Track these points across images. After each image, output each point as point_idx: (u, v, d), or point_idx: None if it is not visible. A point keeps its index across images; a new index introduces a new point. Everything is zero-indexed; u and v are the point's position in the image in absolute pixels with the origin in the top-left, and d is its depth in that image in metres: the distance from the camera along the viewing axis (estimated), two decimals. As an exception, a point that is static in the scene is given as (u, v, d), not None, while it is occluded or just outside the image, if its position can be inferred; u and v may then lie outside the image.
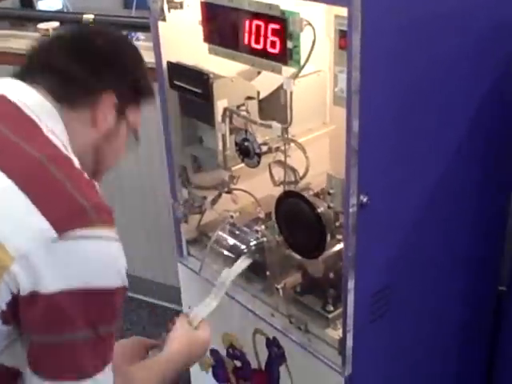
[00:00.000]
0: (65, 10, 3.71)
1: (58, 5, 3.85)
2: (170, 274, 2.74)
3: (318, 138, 1.60)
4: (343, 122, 1.21)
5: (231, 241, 1.54)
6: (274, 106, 1.53)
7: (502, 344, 1.76)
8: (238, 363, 1.71)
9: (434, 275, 1.50)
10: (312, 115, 1.57)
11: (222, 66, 1.49)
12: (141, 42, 2.67)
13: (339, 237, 1.38)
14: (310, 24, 1.19)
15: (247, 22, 1.29)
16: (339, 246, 1.40)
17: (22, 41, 2.67)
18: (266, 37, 1.26)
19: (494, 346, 1.82)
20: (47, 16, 2.70)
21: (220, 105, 1.46)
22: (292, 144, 1.44)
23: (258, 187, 1.61)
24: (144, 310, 2.85)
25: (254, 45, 1.29)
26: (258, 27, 1.26)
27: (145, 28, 2.52)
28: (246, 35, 1.30)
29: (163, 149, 1.66)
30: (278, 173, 1.51)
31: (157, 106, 1.61)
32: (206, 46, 1.48)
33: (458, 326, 1.69)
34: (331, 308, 1.44)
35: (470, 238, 1.57)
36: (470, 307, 1.69)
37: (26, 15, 3.03)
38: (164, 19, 1.47)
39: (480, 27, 1.32)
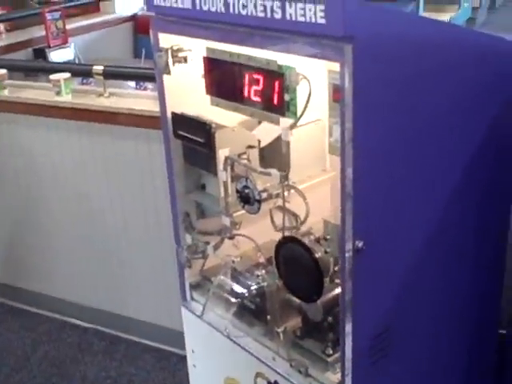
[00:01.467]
0: (76, 61, 3.85)
1: (69, 55, 3.99)
2: (175, 319, 2.77)
3: (317, 184, 1.65)
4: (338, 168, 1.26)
5: (233, 285, 1.57)
6: (275, 154, 1.58)
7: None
8: (240, 407, 1.72)
9: (433, 316, 1.52)
10: (311, 162, 1.62)
11: (223, 117, 1.56)
12: (148, 91, 2.78)
13: (337, 281, 1.42)
14: (305, 78, 1.26)
15: (247, 76, 1.35)
16: (337, 290, 1.43)
17: (35, 91, 2.77)
18: (264, 90, 1.33)
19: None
20: (59, 67, 2.79)
21: (222, 153, 1.51)
22: (292, 190, 1.49)
23: (260, 232, 1.65)
24: (149, 354, 2.87)
25: (253, 97, 1.36)
26: (256, 81, 1.33)
27: (153, 78, 2.62)
28: (246, 88, 1.36)
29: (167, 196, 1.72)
30: (280, 218, 1.56)
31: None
32: (205, 97, 1.55)
33: (459, 368, 1.71)
34: (331, 351, 1.46)
35: (467, 279, 1.60)
36: (471, 348, 1.71)
37: (38, 67, 3.14)
38: (169, 73, 1.53)
39: (470, 79, 1.38)
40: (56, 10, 3.95)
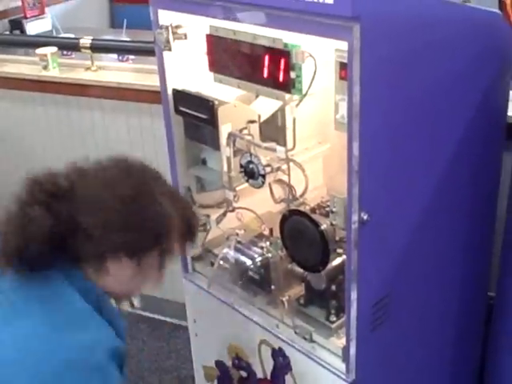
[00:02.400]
0: (54, 32, 3.79)
1: (47, 26, 3.91)
2: (169, 290, 2.82)
3: (313, 156, 1.70)
4: (338, 142, 1.29)
5: (237, 257, 1.61)
6: (273, 128, 1.62)
7: (491, 347, 1.87)
8: (244, 373, 1.79)
9: (430, 283, 1.59)
10: (308, 135, 1.66)
11: (222, 92, 1.58)
12: (130, 61, 2.76)
13: (339, 251, 1.47)
14: (311, 55, 1.29)
15: (252, 54, 1.38)
16: (339, 260, 1.49)
17: (20, 65, 2.74)
18: (270, 67, 1.35)
19: (485, 349, 1.92)
20: (45, 41, 2.76)
21: (224, 129, 1.54)
22: (291, 163, 1.54)
23: (257, 204, 1.70)
24: (143, 324, 2.91)
25: (258, 75, 1.38)
26: (262, 59, 1.36)
27: (139, 52, 2.61)
28: (251, 66, 1.39)
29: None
30: (276, 190, 1.60)
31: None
32: (206, 73, 1.58)
33: (453, 330, 1.79)
34: (334, 318, 1.52)
35: (462, 248, 1.67)
36: (464, 312, 1.79)
37: (24, 41, 3.09)
38: (169, 49, 1.54)
39: (467, 53, 1.42)
40: (31, -21, 3.87)
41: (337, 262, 1.49)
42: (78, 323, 1.16)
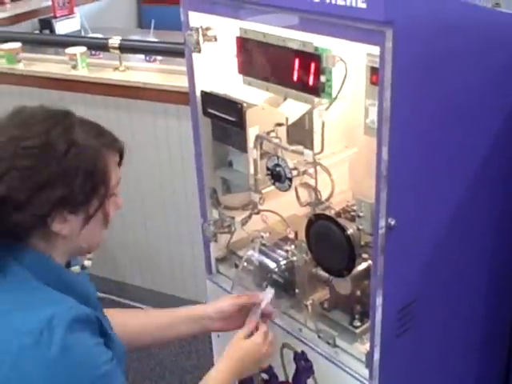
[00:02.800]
0: (83, 31, 3.83)
1: (76, 26, 3.96)
2: (191, 290, 2.84)
3: (340, 161, 1.69)
4: (365, 146, 1.29)
5: (262, 259, 1.61)
6: (301, 131, 1.62)
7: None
8: (266, 376, 1.78)
9: (456, 289, 1.57)
10: (335, 139, 1.66)
11: (249, 94, 1.59)
12: (157, 62, 2.79)
13: (365, 256, 1.47)
14: (341, 60, 1.28)
15: (282, 57, 1.38)
16: (365, 265, 1.48)
17: (50, 65, 2.78)
18: (300, 71, 1.35)
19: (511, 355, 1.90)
20: (74, 41, 2.79)
21: (252, 132, 1.55)
22: (318, 167, 1.53)
23: (283, 207, 1.70)
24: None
25: (288, 78, 1.38)
26: (292, 62, 1.36)
27: (167, 53, 2.63)
28: (281, 69, 1.39)
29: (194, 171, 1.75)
30: (302, 194, 1.60)
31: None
32: (234, 75, 1.58)
33: (478, 336, 1.77)
34: (358, 323, 1.51)
35: (488, 254, 1.65)
36: (489, 317, 1.76)
37: (54, 40, 3.13)
38: (199, 51, 1.55)
39: (498, 58, 1.41)
40: (62, -21, 3.91)
41: (362, 266, 1.48)
42: (28, 303, 1.09)
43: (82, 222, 1.16)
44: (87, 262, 1.29)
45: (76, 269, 1.26)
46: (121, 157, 1.26)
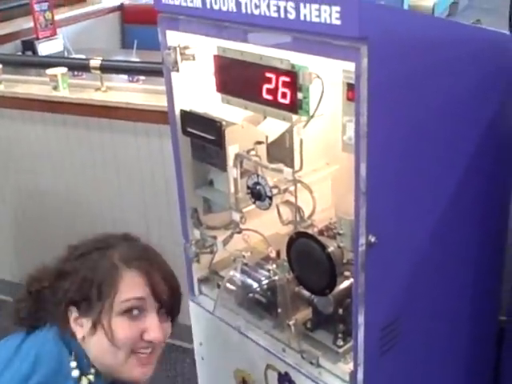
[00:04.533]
0: (66, 52, 3.83)
1: (59, 47, 3.96)
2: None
3: (321, 178, 1.68)
4: (346, 163, 1.28)
5: (244, 279, 1.59)
6: (281, 149, 1.61)
7: (504, 372, 1.84)
8: (250, 398, 1.76)
9: (440, 307, 1.56)
10: (316, 156, 1.65)
11: (230, 113, 1.58)
12: (140, 82, 2.78)
13: (347, 274, 1.45)
14: (318, 77, 1.28)
15: (260, 75, 1.37)
16: (347, 283, 1.47)
17: (31, 86, 2.76)
18: (277, 88, 1.34)
19: (497, 373, 1.89)
20: (55, 62, 2.78)
21: (231, 150, 1.53)
22: (298, 184, 1.52)
23: (265, 226, 1.68)
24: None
25: (266, 95, 1.38)
26: (269, 79, 1.35)
27: (147, 72, 2.63)
28: (259, 87, 1.38)
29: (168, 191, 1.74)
30: (284, 213, 1.59)
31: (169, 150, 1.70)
32: (214, 94, 1.57)
33: (464, 355, 1.76)
34: (341, 343, 1.50)
35: (473, 272, 1.65)
36: (475, 336, 1.76)
37: (34, 61, 3.12)
38: (177, 70, 1.54)
39: (476, 74, 1.41)
40: (44, 1, 3.91)
41: (344, 285, 1.47)
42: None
43: (89, 327, 1.27)
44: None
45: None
46: (149, 280, 1.33)
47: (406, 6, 4.72)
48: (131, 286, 1.28)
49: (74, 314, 1.29)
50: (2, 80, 2.80)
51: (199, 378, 1.95)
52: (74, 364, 1.27)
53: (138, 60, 2.79)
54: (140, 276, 1.30)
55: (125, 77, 2.98)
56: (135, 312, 1.28)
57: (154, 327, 1.30)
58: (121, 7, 4.83)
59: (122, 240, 1.39)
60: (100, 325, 1.26)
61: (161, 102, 2.29)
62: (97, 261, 1.31)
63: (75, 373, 1.26)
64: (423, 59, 1.25)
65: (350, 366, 1.43)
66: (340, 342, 1.50)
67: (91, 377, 1.28)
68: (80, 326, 1.29)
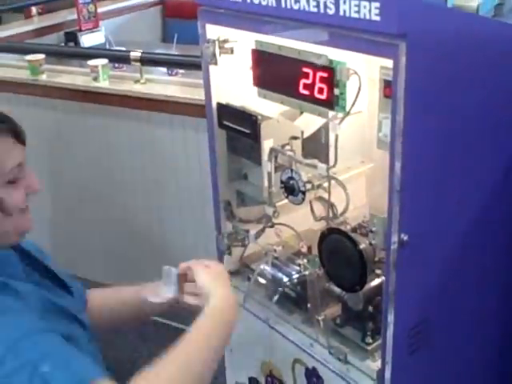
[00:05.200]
0: (107, 45, 3.88)
1: (100, 39, 4.02)
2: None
3: (357, 175, 1.68)
4: (381, 161, 1.29)
5: (274, 273, 1.60)
6: (316, 145, 1.61)
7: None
8: (277, 390, 1.77)
9: (470, 307, 1.54)
10: (351, 154, 1.65)
11: (266, 107, 1.59)
12: (179, 75, 2.81)
13: (378, 272, 1.45)
14: (356, 73, 1.28)
15: (297, 70, 1.37)
16: (378, 281, 1.47)
17: (72, 76, 2.82)
18: (314, 83, 1.35)
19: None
20: (96, 53, 2.82)
21: (267, 144, 1.54)
22: (332, 181, 1.52)
23: (297, 221, 1.69)
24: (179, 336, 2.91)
25: (302, 90, 1.38)
26: (307, 75, 1.35)
27: (186, 65, 2.65)
28: (295, 81, 1.38)
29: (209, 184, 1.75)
30: (317, 209, 1.59)
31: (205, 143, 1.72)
32: (250, 88, 1.58)
33: (493, 356, 1.74)
34: (370, 340, 1.49)
35: (503, 271, 1.63)
36: (504, 338, 1.73)
37: (76, 52, 3.17)
38: (216, 63, 1.56)
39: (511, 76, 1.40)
40: (87, -6, 3.98)
41: (375, 282, 1.47)
42: None
43: None
44: None
45: None
46: (17, 137, 1.20)
47: (449, 6, 4.68)
48: (8, 154, 1.17)
49: None
50: (44, 70, 2.85)
51: (227, 369, 1.96)
52: None
53: (177, 53, 2.82)
54: (9, 138, 1.18)
55: (164, 70, 3.02)
56: (20, 176, 1.21)
57: (34, 181, 1.23)
58: (162, 1, 4.87)
59: None
60: None
61: (198, 96, 2.32)
62: None
63: None
64: (463, 58, 1.24)
65: (378, 363, 1.43)
66: (369, 340, 1.50)
67: None
68: None
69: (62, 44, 3.86)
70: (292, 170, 1.50)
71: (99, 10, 4.06)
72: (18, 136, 1.20)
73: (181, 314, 2.61)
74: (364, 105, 1.52)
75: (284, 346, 1.65)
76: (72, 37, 3.91)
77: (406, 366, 1.42)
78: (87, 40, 3.92)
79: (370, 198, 1.77)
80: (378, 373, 1.42)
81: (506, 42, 1.34)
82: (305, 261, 1.58)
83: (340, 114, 1.38)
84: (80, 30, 3.92)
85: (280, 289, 1.57)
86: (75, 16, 3.91)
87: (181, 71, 2.85)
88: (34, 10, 4.16)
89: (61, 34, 3.96)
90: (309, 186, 1.49)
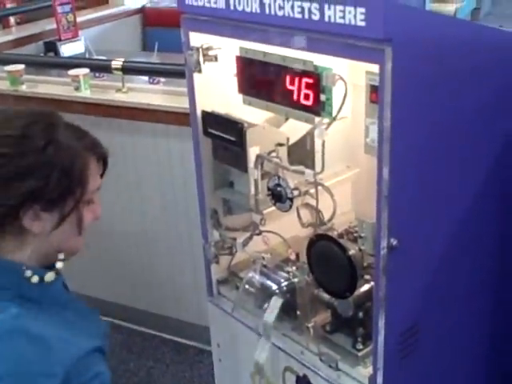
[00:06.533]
0: (87, 54, 3.86)
1: (80, 48, 3.99)
2: (192, 312, 2.81)
3: (342, 181, 1.68)
4: (368, 166, 1.28)
5: (263, 281, 1.59)
6: (302, 151, 1.61)
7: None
8: (268, 400, 1.75)
9: (461, 311, 1.55)
10: (337, 159, 1.65)
11: (251, 114, 1.58)
12: (161, 84, 2.80)
13: (367, 277, 1.45)
14: (341, 78, 1.27)
15: (282, 76, 1.37)
16: (367, 286, 1.46)
17: (53, 86, 2.79)
18: (300, 90, 1.34)
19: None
20: (77, 63, 2.80)
21: (252, 152, 1.53)
22: (319, 187, 1.52)
23: (284, 228, 1.68)
24: (167, 347, 2.90)
25: (288, 97, 1.38)
26: (292, 81, 1.35)
27: (169, 74, 2.64)
28: (281, 88, 1.38)
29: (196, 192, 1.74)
30: (305, 215, 1.59)
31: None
32: (235, 95, 1.57)
33: (485, 359, 1.74)
34: (361, 346, 1.49)
35: (493, 274, 1.63)
36: (497, 340, 1.73)
37: (57, 62, 3.14)
38: (200, 71, 1.54)
39: (502, 80, 1.40)
40: (66, 3, 3.94)
41: (364, 288, 1.46)
42: None
43: (54, 222, 1.14)
44: (59, 264, 1.21)
45: (50, 275, 1.19)
46: (104, 165, 1.25)
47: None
48: (94, 174, 1.20)
49: (31, 211, 1.11)
50: (24, 80, 2.82)
51: (216, 379, 1.95)
52: (28, 273, 1.16)
53: (158, 62, 2.80)
54: (97, 162, 1.22)
55: (145, 78, 3.00)
56: (95, 199, 1.23)
57: (100, 209, 1.25)
58: (142, 10, 4.85)
59: (64, 127, 1.18)
60: (69, 217, 1.16)
61: (181, 104, 2.31)
62: (60, 150, 1.13)
63: (35, 278, 1.16)
64: (448, 61, 1.24)
65: (370, 369, 1.43)
66: (359, 346, 1.49)
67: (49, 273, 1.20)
68: (34, 220, 1.13)
69: (42, 54, 3.82)
70: (279, 177, 1.49)
71: (78, 20, 4.02)
72: (105, 164, 1.25)
73: (168, 325, 2.61)
74: (349, 110, 1.52)
75: (274, 354, 1.63)
76: (51, 46, 3.87)
77: (398, 372, 1.42)
78: (67, 49, 3.88)
79: (356, 204, 1.77)
80: (369, 379, 1.42)
81: (488, 45, 1.35)
82: (294, 268, 1.57)
83: (326, 120, 1.38)
84: (59, 40, 3.87)
85: (267, 296, 1.55)
86: (54, 25, 3.86)
87: (162, 80, 2.84)
88: (12, 19, 4.13)
89: (40, 43, 3.92)
90: (296, 192, 1.48)
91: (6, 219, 1.11)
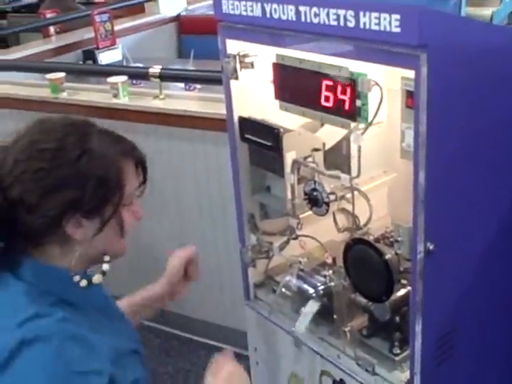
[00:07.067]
0: (124, 62, 3.92)
1: (118, 56, 4.06)
2: (230, 317, 2.83)
3: (378, 185, 1.68)
4: (404, 171, 1.28)
5: (300, 285, 1.60)
6: (338, 156, 1.62)
7: None
8: (304, 404, 1.76)
9: (498, 317, 1.54)
10: (373, 164, 1.65)
11: (287, 120, 1.60)
12: (196, 91, 2.83)
13: (404, 282, 1.45)
14: (377, 84, 1.28)
15: (318, 83, 1.39)
16: (404, 291, 1.46)
17: (92, 93, 2.85)
18: (336, 96, 1.36)
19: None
20: (115, 70, 2.86)
21: (289, 157, 1.55)
22: (355, 192, 1.53)
23: (321, 232, 1.69)
24: (203, 351, 2.92)
25: (324, 103, 1.39)
26: (328, 87, 1.37)
27: (206, 81, 2.68)
28: (317, 94, 1.40)
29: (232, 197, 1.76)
30: (340, 219, 1.59)
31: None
32: (271, 101, 1.59)
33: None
34: (398, 351, 1.49)
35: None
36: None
37: (96, 70, 3.21)
38: (237, 78, 1.57)
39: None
40: (104, 12, 4.02)
41: (401, 292, 1.46)
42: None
43: (96, 227, 1.17)
44: (105, 266, 1.25)
45: (98, 277, 1.23)
46: (143, 169, 1.27)
47: (462, 15, 4.68)
48: (131, 177, 1.22)
49: (73, 219, 1.14)
50: (65, 88, 2.89)
51: (253, 383, 1.96)
52: (77, 278, 1.20)
53: (194, 69, 2.84)
54: (135, 166, 1.23)
55: (181, 85, 3.04)
56: (134, 200, 1.25)
57: (140, 208, 1.27)
58: (177, 17, 4.91)
59: (97, 135, 1.20)
60: (110, 222, 1.19)
61: (217, 110, 2.34)
62: (94, 160, 1.15)
63: (83, 282, 1.20)
64: (484, 68, 1.25)
65: (407, 374, 1.43)
66: (396, 350, 1.49)
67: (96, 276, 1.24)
68: (77, 228, 1.15)
69: (81, 62, 3.90)
70: (315, 182, 1.51)
71: (116, 28, 4.10)
72: (144, 168, 1.27)
73: (205, 329, 2.63)
74: (384, 115, 1.53)
75: (311, 358, 1.64)
76: (90, 55, 3.95)
77: (435, 377, 1.42)
78: (105, 57, 3.96)
79: (392, 208, 1.77)
80: (406, 383, 1.42)
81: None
82: (330, 272, 1.58)
83: (361, 125, 1.39)
84: (97, 48, 3.95)
85: (306, 299, 1.56)
86: (92, 34, 3.95)
87: (198, 86, 2.88)
88: (51, 29, 4.22)
89: (79, 52, 4.00)
90: (332, 197, 1.49)
91: (49, 229, 1.15)
